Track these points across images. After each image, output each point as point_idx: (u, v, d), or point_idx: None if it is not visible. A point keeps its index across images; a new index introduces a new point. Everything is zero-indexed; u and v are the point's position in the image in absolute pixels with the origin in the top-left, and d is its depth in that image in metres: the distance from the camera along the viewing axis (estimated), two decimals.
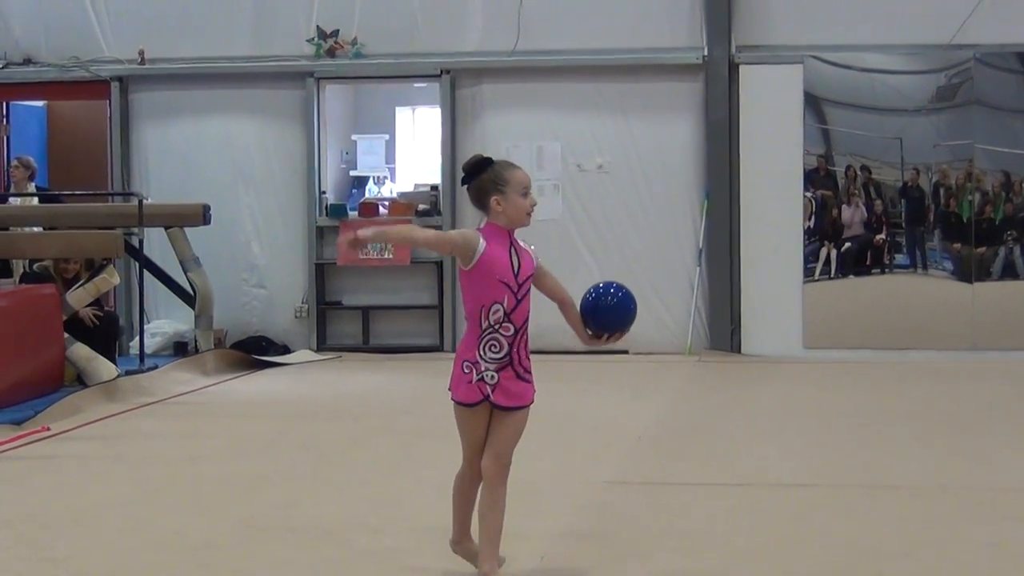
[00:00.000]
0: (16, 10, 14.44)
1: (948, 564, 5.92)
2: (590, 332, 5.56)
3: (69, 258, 11.81)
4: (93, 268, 12.31)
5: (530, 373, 5.46)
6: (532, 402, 5.46)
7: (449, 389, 5.45)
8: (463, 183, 5.48)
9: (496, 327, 5.34)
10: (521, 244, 5.43)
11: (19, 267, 12.58)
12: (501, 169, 5.39)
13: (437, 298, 14.01)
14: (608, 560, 6.03)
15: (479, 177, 5.38)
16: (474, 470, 5.48)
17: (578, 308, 5.56)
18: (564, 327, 12.60)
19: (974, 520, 6.71)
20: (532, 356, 5.51)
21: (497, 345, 5.35)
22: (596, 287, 5.63)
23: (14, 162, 14.02)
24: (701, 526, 6.67)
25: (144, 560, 6.10)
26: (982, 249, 13.28)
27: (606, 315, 5.53)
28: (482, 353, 5.35)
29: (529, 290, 5.42)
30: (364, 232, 5.32)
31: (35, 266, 12.05)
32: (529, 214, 5.39)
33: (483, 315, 5.32)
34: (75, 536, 6.60)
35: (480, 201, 5.39)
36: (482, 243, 5.33)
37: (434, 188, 14.04)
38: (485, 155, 5.52)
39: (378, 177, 15.01)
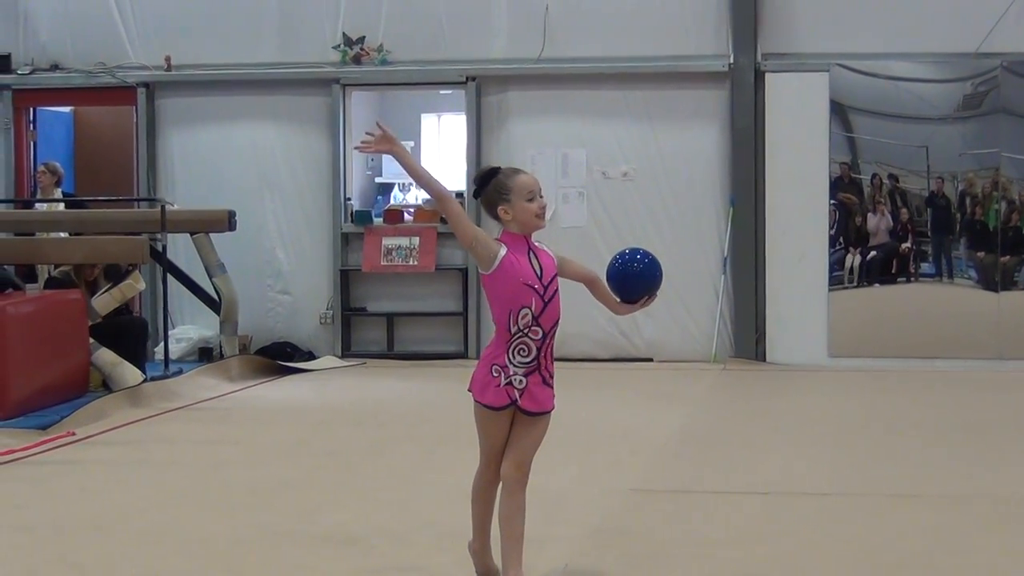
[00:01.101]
0: (43, 16, 14.51)
1: (969, 574, 5.92)
2: (619, 300, 5.60)
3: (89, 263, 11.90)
4: (116, 273, 12.39)
5: (553, 379, 5.49)
6: (553, 408, 5.49)
7: (469, 390, 5.47)
8: (475, 196, 5.52)
9: (525, 331, 5.36)
10: (538, 245, 5.46)
11: (44, 272, 12.64)
12: (504, 178, 5.41)
13: (462, 305, 14.03)
14: (631, 568, 6.05)
15: (487, 188, 5.42)
16: (492, 472, 5.50)
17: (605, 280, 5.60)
18: (588, 334, 12.61)
19: (997, 530, 6.72)
20: (556, 363, 5.54)
21: (526, 349, 5.37)
22: (621, 254, 5.69)
23: (41, 168, 14.09)
24: (724, 534, 6.68)
25: (168, 565, 6.15)
26: (1008, 258, 13.24)
27: (636, 281, 5.59)
28: (511, 357, 5.37)
29: (557, 291, 5.43)
30: (393, 143, 5.30)
31: (56, 271, 12.10)
32: (539, 216, 5.41)
33: (512, 320, 5.34)
34: (100, 541, 6.64)
35: (491, 212, 5.43)
36: (503, 249, 5.36)
37: (459, 195, 14.03)
38: (492, 166, 5.56)
39: (403, 184, 15.03)
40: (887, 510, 7.19)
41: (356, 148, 5.58)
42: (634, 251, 5.71)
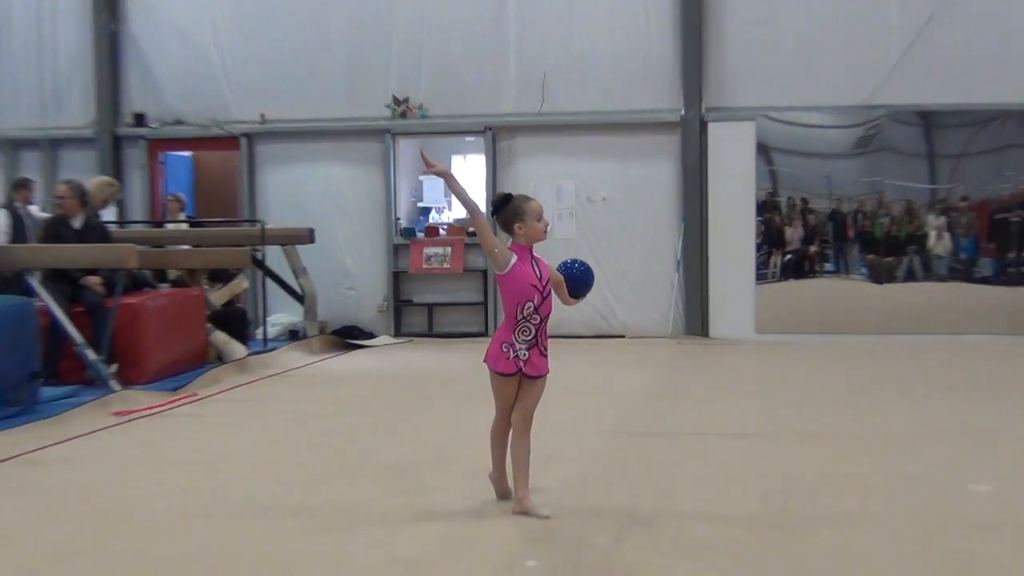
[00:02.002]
0: (168, 84, 14.55)
1: (851, 487, 6.01)
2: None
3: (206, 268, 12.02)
4: (227, 276, 12.48)
5: (547, 351, 5.59)
6: (547, 372, 5.59)
7: (485, 362, 5.57)
8: (492, 214, 5.61)
9: (528, 318, 5.46)
10: (537, 256, 5.56)
11: (173, 276, 12.73)
12: (520, 202, 5.50)
13: (482, 297, 14.06)
14: (609, 488, 6.13)
15: (504, 209, 5.51)
16: (505, 421, 5.61)
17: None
18: (575, 318, 12.56)
19: (874, 457, 6.78)
20: (550, 340, 5.65)
21: (528, 331, 5.48)
22: (566, 262, 5.81)
23: (169, 197, 14.16)
24: (674, 464, 6.75)
25: (269, 489, 6.25)
26: (890, 259, 13.26)
27: (576, 282, 5.73)
28: (517, 337, 5.48)
29: (551, 290, 5.55)
30: (443, 169, 5.45)
31: (173, 275, 12.17)
32: (545, 232, 5.54)
33: (519, 310, 5.44)
34: (221, 471, 6.75)
35: (506, 227, 5.52)
36: (514, 257, 5.47)
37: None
38: (506, 192, 5.64)
39: (439, 208, 15.08)
40: (795, 445, 7.25)
41: (421, 152, 5.66)
42: (574, 261, 5.84)
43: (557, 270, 5.71)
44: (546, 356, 5.58)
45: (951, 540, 5.09)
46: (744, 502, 5.80)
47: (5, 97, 14.74)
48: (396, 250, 14.23)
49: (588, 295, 5.87)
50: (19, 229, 11.11)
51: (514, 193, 5.61)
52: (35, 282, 9.49)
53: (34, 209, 12.46)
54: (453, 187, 5.50)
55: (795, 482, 6.19)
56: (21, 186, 12.16)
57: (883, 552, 4.90)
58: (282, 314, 13.85)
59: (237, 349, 11.38)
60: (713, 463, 6.75)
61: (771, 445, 7.27)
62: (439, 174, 5.47)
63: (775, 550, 4.95)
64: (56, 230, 10.18)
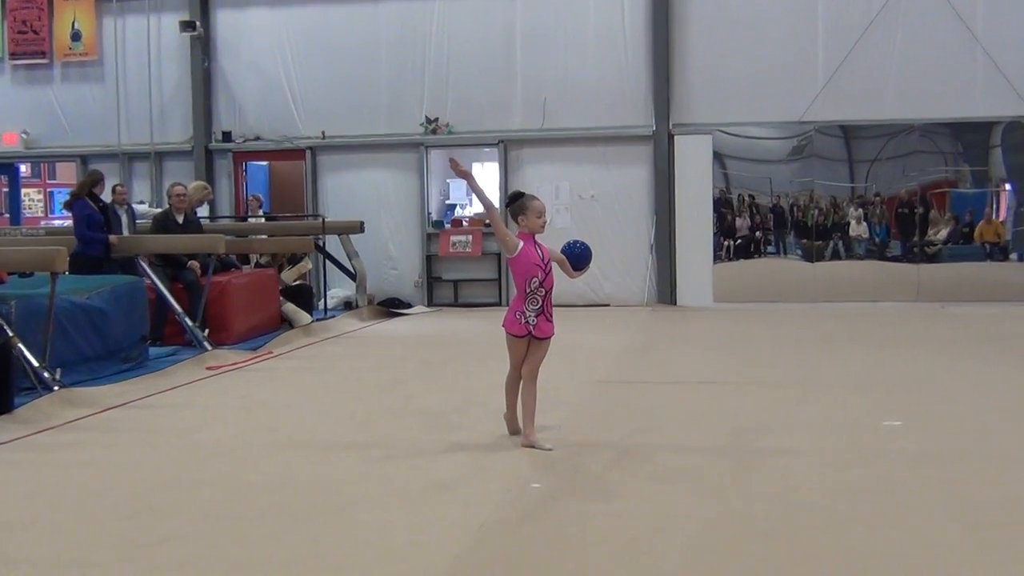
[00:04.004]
0: (249, 107, 14.47)
1: (792, 425, 5.96)
2: (572, 268, 5.64)
3: (279, 253, 11.98)
4: (295, 259, 12.45)
5: (552, 317, 5.54)
6: (553, 334, 5.55)
7: (503, 326, 5.54)
8: (506, 206, 5.57)
9: (535, 291, 5.43)
10: (540, 242, 5.50)
11: (254, 259, 12.72)
12: (527, 200, 5.46)
13: (497, 274, 13.99)
14: (599, 427, 6.09)
15: (515, 203, 5.47)
16: (516, 373, 5.58)
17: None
18: (571, 291, 12.42)
19: (812, 403, 6.74)
20: (554, 308, 5.59)
21: (536, 301, 5.44)
22: (568, 242, 5.71)
23: (250, 197, 14.17)
24: (650, 406, 6.72)
25: (326, 427, 6.24)
26: (819, 242, 13.17)
27: (578, 257, 5.63)
28: (527, 306, 5.45)
29: (551, 268, 5.49)
30: (467, 172, 5.44)
31: (261, 259, 12.16)
32: (542, 228, 5.47)
33: (527, 285, 5.41)
34: (288, 414, 6.73)
35: (514, 218, 5.49)
36: (521, 243, 5.42)
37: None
38: (520, 191, 5.61)
39: (462, 204, 15.05)
40: (747, 391, 7.21)
41: (450, 159, 5.56)
42: (575, 241, 5.74)
43: (561, 250, 5.64)
44: (552, 321, 5.55)
45: (871, 466, 5.03)
46: (707, 438, 5.76)
47: (122, 119, 14.70)
48: (428, 238, 14.15)
49: (588, 269, 5.78)
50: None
51: (526, 193, 5.54)
52: (144, 264, 9.48)
53: (142, 207, 12.40)
54: (474, 187, 5.52)
55: (746, 421, 6.15)
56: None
57: (816, 476, 4.85)
58: (339, 289, 13.79)
59: (303, 317, 11.35)
60: (682, 406, 6.71)
61: (729, 392, 7.23)
62: (464, 175, 5.46)
63: (730, 475, 4.91)
64: (164, 223, 10.20)
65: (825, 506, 4.36)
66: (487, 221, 13.73)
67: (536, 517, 4.29)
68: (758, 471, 4.98)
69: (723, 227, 13.35)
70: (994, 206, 12.96)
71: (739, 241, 13.38)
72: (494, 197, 14.04)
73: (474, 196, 15.12)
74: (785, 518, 4.21)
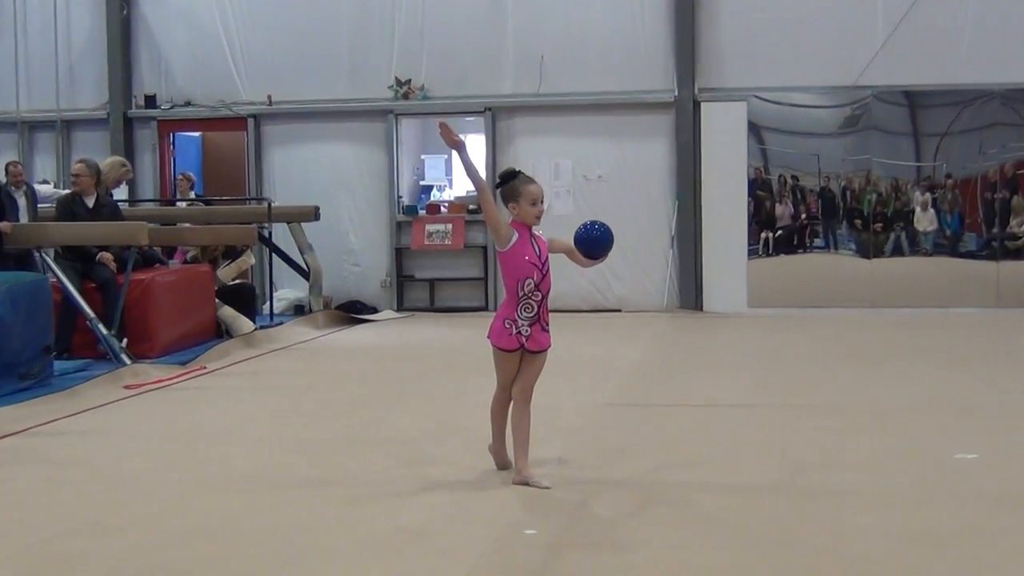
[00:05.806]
0: (178, 66, 14.49)
1: (845, 458, 5.95)
2: (584, 257, 5.52)
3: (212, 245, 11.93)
4: (234, 252, 12.41)
5: (549, 326, 5.52)
6: (550, 347, 5.53)
7: (488, 337, 5.50)
8: (496, 187, 5.53)
9: (529, 295, 5.39)
10: (537, 234, 5.47)
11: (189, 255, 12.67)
12: (519, 184, 5.40)
13: (483, 272, 14.02)
14: (606, 460, 6.08)
15: (506, 185, 5.43)
16: (505, 394, 5.55)
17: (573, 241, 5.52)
18: (574, 292, 12.52)
19: (866, 431, 6.74)
20: (551, 314, 5.57)
21: (530, 308, 5.41)
22: (584, 224, 5.56)
23: (180, 176, 14.19)
24: (672, 435, 6.71)
25: (273, 460, 6.21)
26: (878, 235, 13.21)
27: (594, 243, 5.49)
28: (519, 313, 5.41)
29: (550, 267, 5.46)
30: (460, 141, 5.35)
31: (189, 255, 12.12)
32: (537, 218, 5.42)
33: (520, 287, 5.38)
34: (225, 444, 6.69)
35: (504, 202, 5.46)
36: (515, 235, 5.39)
37: None
38: (516, 169, 5.54)
39: (440, 186, 15.06)
40: (787, 416, 7.20)
41: (441, 123, 5.47)
42: (592, 222, 5.58)
43: (575, 234, 5.52)
44: (548, 331, 5.51)
45: (942, 508, 5.02)
46: (743, 474, 5.73)
47: (21, 80, 14.65)
48: (398, 227, 14.18)
49: (607, 258, 5.67)
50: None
51: (521, 172, 5.47)
52: (48, 259, 9.44)
53: (47, 187, 12.34)
54: (465, 162, 5.42)
55: (790, 453, 6.13)
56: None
57: (876, 521, 4.84)
58: (288, 289, 13.81)
59: (244, 324, 11.32)
60: (709, 435, 6.70)
61: (768, 417, 7.22)
62: (455, 146, 5.38)
63: (772, 520, 4.89)
64: (70, 208, 10.15)
65: (888, 557, 4.35)
66: (471, 206, 13.78)
67: (531, 571, 4.26)
68: (807, 515, 4.97)
69: (760, 215, 13.39)
70: None
71: (779, 232, 13.41)
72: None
73: (457, 174, 15.23)
74: (841, 572, 4.20)
